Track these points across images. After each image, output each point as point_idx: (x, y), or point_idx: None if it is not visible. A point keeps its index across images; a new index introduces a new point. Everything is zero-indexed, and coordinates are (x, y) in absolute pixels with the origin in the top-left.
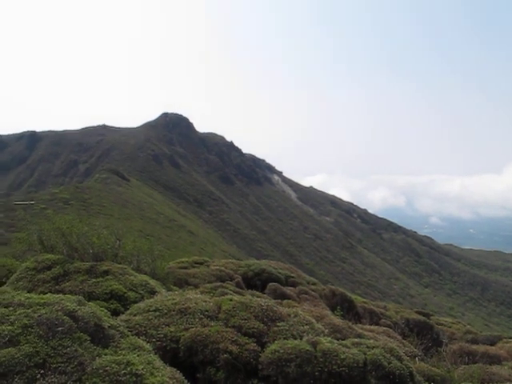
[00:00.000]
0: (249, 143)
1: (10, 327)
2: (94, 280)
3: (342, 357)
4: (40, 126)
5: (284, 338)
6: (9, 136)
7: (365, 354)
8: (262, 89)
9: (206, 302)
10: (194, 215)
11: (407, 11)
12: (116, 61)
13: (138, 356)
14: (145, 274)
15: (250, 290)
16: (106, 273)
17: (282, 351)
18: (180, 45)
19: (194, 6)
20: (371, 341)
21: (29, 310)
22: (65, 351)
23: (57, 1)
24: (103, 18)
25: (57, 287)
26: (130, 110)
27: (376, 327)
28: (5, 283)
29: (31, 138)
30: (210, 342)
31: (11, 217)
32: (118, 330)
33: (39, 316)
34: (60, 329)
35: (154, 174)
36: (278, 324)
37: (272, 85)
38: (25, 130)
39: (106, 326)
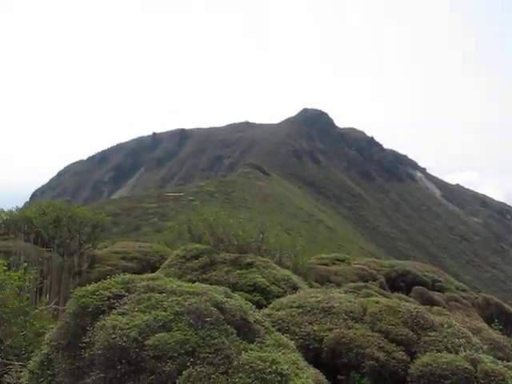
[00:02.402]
0: (390, 138)
1: (163, 313)
2: (238, 271)
3: (510, 382)
4: (189, 124)
5: (437, 351)
6: (162, 134)
7: None
8: (405, 81)
9: (350, 302)
10: (332, 211)
11: None
12: (260, 57)
13: (282, 354)
14: (286, 268)
15: (395, 293)
16: (250, 265)
17: (435, 365)
18: (317, 38)
19: None
20: None
21: (180, 298)
22: (212, 342)
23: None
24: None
25: (203, 276)
26: (271, 105)
27: None
28: (158, 268)
29: (181, 135)
30: (355, 346)
31: (163, 207)
32: (262, 325)
33: (189, 305)
34: (208, 319)
35: (294, 169)
36: (430, 334)
37: (414, 73)
38: (176, 127)
39: (252, 321)
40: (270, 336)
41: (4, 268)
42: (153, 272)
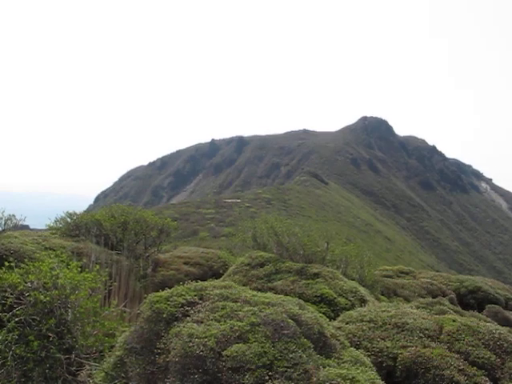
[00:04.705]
0: (453, 147)
1: (239, 323)
2: (304, 281)
3: None
4: (247, 131)
5: None
6: (221, 140)
7: None
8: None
9: (424, 318)
10: (391, 221)
11: None
12: (319, 66)
13: (361, 372)
14: (352, 279)
15: (470, 311)
16: (317, 275)
17: None
18: (377, 45)
19: None
20: None
21: (255, 308)
22: (290, 356)
23: None
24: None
25: (269, 284)
26: (330, 113)
27: None
28: (221, 274)
29: (239, 142)
30: (433, 367)
31: (221, 213)
32: (338, 340)
33: (265, 316)
34: (286, 332)
35: (352, 177)
36: None
37: (477, 79)
38: (234, 135)
39: (328, 335)
40: (346, 352)
41: (78, 269)
42: (216, 278)
